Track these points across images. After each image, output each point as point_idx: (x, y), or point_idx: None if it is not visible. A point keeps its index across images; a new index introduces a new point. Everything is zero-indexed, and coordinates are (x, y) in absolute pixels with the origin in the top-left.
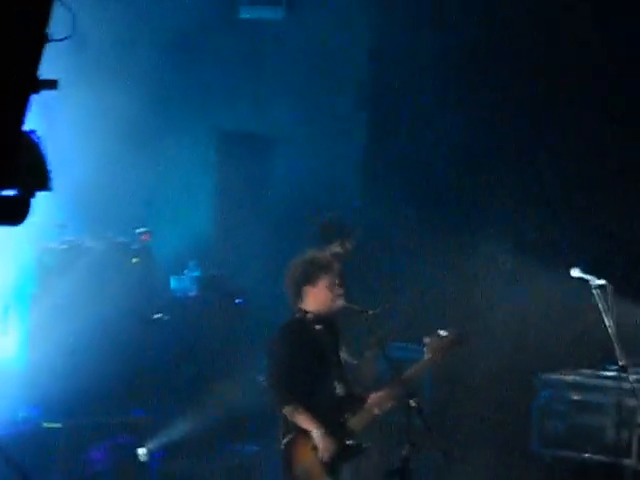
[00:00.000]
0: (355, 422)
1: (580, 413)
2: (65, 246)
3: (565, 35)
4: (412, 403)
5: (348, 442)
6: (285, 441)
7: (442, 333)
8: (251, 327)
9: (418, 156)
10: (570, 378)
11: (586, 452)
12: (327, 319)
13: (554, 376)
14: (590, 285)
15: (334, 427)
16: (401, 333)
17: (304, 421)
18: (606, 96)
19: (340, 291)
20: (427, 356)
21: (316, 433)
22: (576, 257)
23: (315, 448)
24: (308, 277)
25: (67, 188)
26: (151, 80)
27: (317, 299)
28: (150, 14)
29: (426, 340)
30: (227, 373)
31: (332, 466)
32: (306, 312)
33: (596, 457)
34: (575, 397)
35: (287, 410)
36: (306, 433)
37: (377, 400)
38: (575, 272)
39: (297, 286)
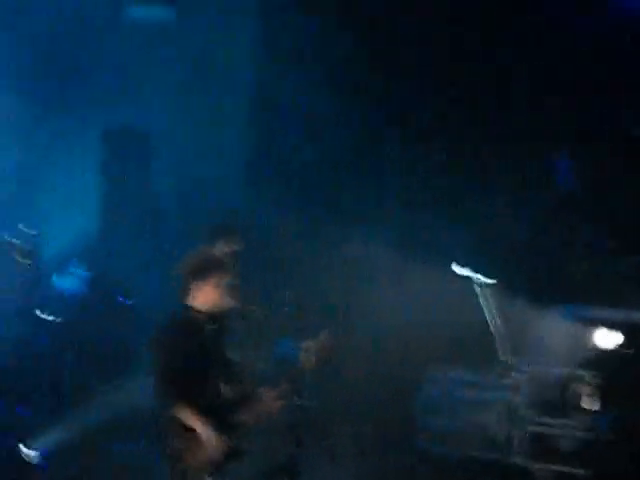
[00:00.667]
0: (245, 421)
1: (464, 410)
2: None
3: None
4: (297, 401)
5: (235, 444)
6: (173, 441)
7: (319, 337)
8: (136, 325)
9: (298, 155)
10: (454, 375)
11: (471, 449)
12: (215, 317)
13: (439, 373)
14: (474, 283)
15: (222, 428)
16: (287, 330)
17: (191, 421)
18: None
19: (229, 290)
20: (303, 361)
21: (203, 433)
22: (460, 255)
23: (202, 449)
24: (198, 274)
25: None
26: (35, 78)
27: (206, 297)
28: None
29: (304, 345)
30: (112, 371)
31: (218, 467)
32: (194, 310)
33: (481, 453)
34: (459, 394)
35: (174, 410)
36: (194, 433)
37: (267, 399)
38: (459, 270)
39: (187, 283)
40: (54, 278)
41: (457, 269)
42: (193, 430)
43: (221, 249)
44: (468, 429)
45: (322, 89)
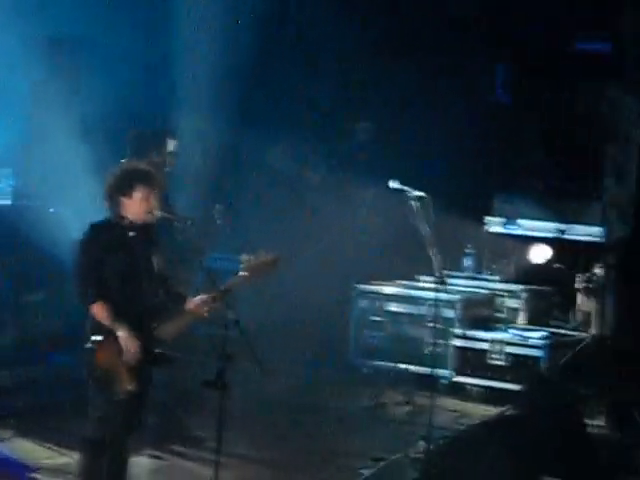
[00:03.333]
0: (168, 328)
1: (397, 324)
2: None
3: None
4: (229, 315)
5: (156, 350)
6: (90, 342)
7: (260, 254)
8: (65, 235)
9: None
10: (387, 289)
11: (403, 363)
12: (143, 227)
13: (371, 287)
14: (407, 197)
15: (143, 333)
16: (221, 244)
17: (109, 320)
18: None
19: (156, 202)
20: (242, 274)
21: (121, 333)
22: (394, 169)
23: (120, 351)
24: (124, 188)
25: None
26: None
27: (133, 209)
28: None
29: (244, 258)
30: (42, 282)
31: (137, 372)
32: (123, 218)
33: (413, 367)
34: (392, 308)
35: (93, 308)
36: (113, 335)
37: (193, 307)
38: (393, 184)
39: (113, 195)
40: None
41: (392, 183)
42: (114, 332)
43: (153, 159)
44: (400, 343)
45: None
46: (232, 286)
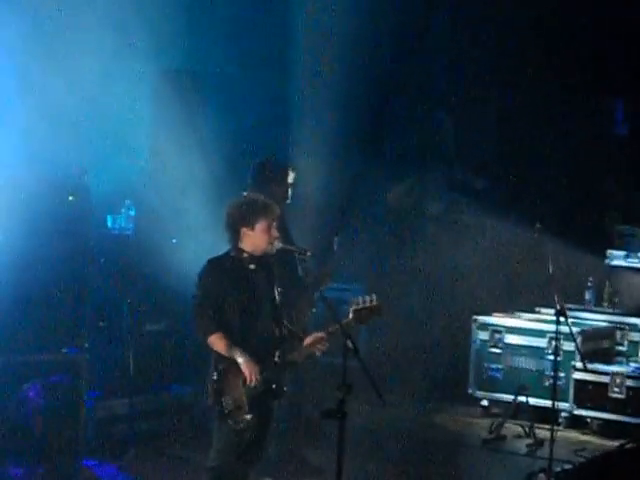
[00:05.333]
0: (291, 358)
1: (517, 356)
2: (0, 182)
3: None
4: (349, 344)
5: (275, 381)
6: (215, 374)
7: (366, 299)
8: (186, 266)
9: (345, 93)
10: (507, 321)
11: (523, 395)
12: (263, 260)
13: (491, 319)
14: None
15: (262, 364)
16: (338, 274)
17: (229, 349)
18: None
19: (277, 233)
20: (347, 318)
21: (242, 359)
22: (515, 201)
23: (243, 381)
24: (245, 219)
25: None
26: (92, 14)
27: (254, 241)
28: None
29: (353, 301)
30: (162, 312)
31: (258, 402)
32: (242, 251)
33: (533, 400)
34: (512, 340)
35: (212, 340)
36: (235, 365)
37: (314, 340)
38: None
39: (234, 227)
40: (108, 219)
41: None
42: (235, 361)
43: (272, 189)
44: (519, 376)
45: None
46: (336, 330)
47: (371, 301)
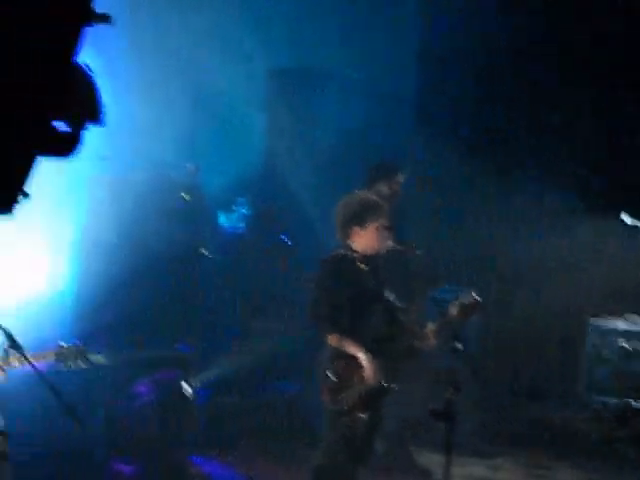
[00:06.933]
0: (399, 360)
1: (631, 360)
2: (116, 179)
3: None
4: (458, 346)
5: (389, 380)
6: (331, 372)
7: (469, 296)
8: (297, 265)
9: (469, 96)
10: (621, 324)
11: (634, 399)
12: (373, 259)
13: (604, 322)
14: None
15: (377, 362)
16: (448, 274)
17: (348, 346)
18: None
19: (387, 233)
20: (449, 315)
21: (362, 355)
22: (626, 204)
23: (360, 378)
24: (357, 218)
25: (117, 122)
26: (205, 15)
27: (365, 240)
28: None
29: (455, 300)
30: (272, 310)
31: (371, 401)
32: (352, 250)
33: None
34: (626, 344)
35: (331, 339)
36: (351, 363)
37: (421, 340)
38: (627, 218)
39: (345, 226)
40: (219, 216)
41: (626, 219)
42: (354, 358)
43: (382, 189)
44: (631, 379)
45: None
46: (443, 330)
47: (473, 298)
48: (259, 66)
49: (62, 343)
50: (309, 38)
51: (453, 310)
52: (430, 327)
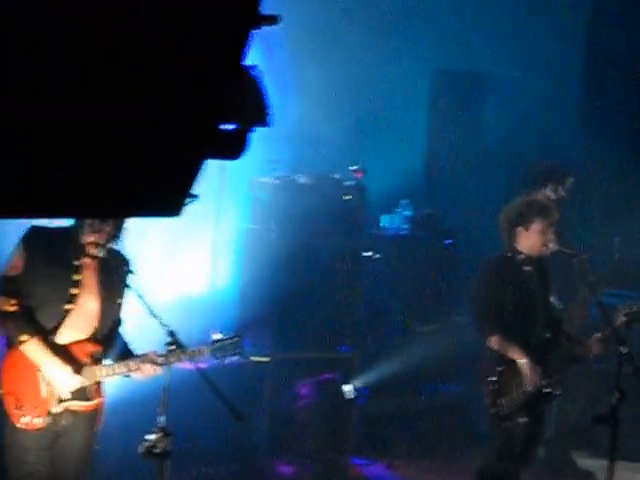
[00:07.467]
0: (561, 363)
1: None
2: (279, 182)
3: None
4: (623, 350)
5: (549, 385)
6: (494, 375)
7: (638, 303)
8: (460, 268)
9: (633, 102)
10: None
11: None
12: (537, 261)
13: None
14: None
15: (538, 365)
16: (613, 279)
17: (510, 350)
18: None
19: (552, 236)
20: (620, 320)
21: (524, 361)
22: None
23: (521, 382)
24: (523, 219)
25: (282, 124)
26: (371, 16)
27: (529, 242)
28: None
29: (624, 306)
30: (434, 313)
31: (533, 404)
32: (517, 252)
33: None
34: None
35: (493, 340)
36: (514, 367)
37: (587, 346)
38: None
39: (511, 227)
40: (382, 218)
41: None
42: (515, 363)
43: (548, 194)
44: None
45: None
46: (609, 335)
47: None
48: (426, 67)
49: (216, 335)
50: (476, 39)
51: (620, 318)
52: (596, 336)
